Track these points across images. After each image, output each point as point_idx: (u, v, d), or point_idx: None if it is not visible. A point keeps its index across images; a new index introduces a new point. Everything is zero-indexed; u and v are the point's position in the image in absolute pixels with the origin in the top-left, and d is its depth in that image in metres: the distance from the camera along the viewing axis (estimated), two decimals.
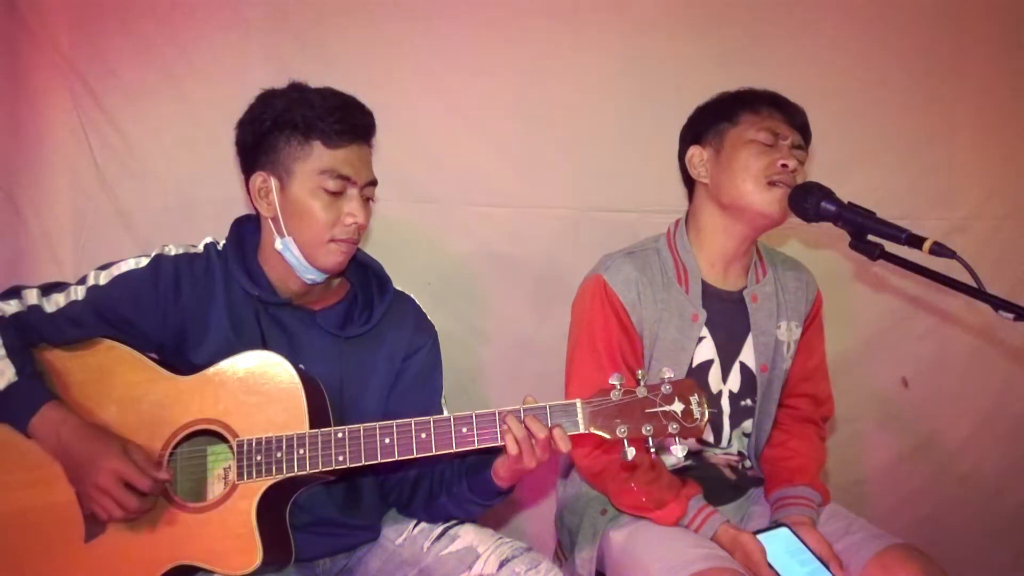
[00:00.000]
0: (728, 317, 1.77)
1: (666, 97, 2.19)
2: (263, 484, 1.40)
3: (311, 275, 1.53)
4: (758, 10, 2.30)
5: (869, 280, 2.46)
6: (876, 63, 2.38)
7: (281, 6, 2.11)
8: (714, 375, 1.77)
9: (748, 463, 1.86)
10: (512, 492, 1.52)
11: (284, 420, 1.42)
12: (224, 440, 1.44)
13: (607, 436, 1.34)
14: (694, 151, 1.77)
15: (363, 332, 1.57)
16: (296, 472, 1.39)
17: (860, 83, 2.37)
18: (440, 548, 1.55)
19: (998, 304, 1.36)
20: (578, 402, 1.36)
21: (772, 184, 1.65)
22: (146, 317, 1.50)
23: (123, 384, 1.47)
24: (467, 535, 1.55)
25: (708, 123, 1.76)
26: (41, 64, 2.03)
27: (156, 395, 1.46)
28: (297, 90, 1.50)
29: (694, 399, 1.35)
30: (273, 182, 1.49)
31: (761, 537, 1.61)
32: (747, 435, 1.84)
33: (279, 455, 1.40)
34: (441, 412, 1.61)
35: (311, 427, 1.41)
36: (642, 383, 1.35)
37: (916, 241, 1.42)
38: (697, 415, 1.34)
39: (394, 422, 1.39)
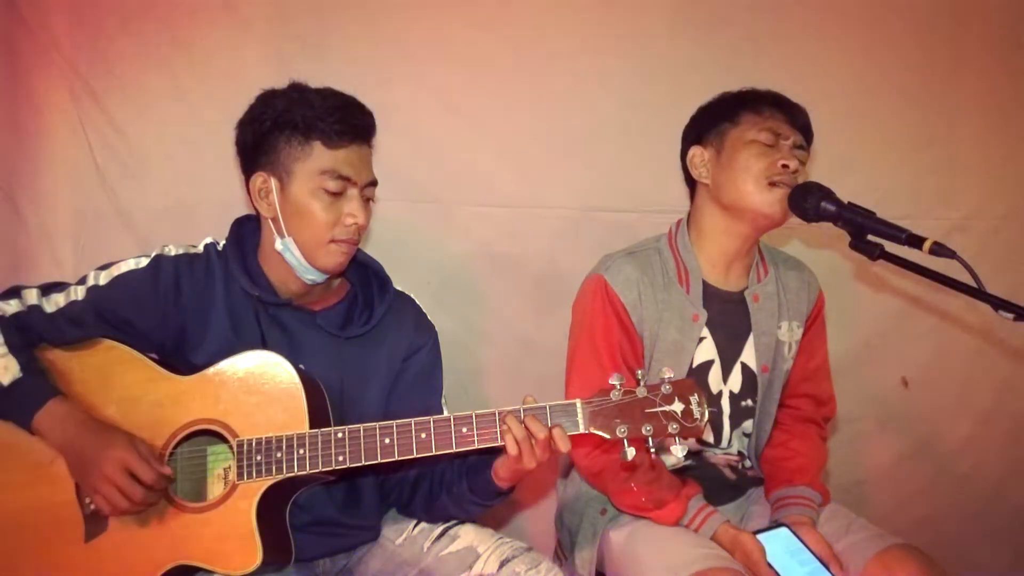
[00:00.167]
0: (729, 317, 1.77)
1: (666, 97, 2.19)
2: (263, 484, 1.40)
3: (311, 275, 1.53)
4: (759, 10, 2.30)
5: (869, 280, 2.46)
6: (876, 63, 2.38)
7: (281, 6, 2.11)
8: (714, 375, 1.77)
9: (748, 463, 1.85)
10: (512, 492, 1.52)
11: (284, 420, 1.42)
12: (224, 440, 1.44)
13: (607, 436, 1.34)
14: (695, 151, 1.77)
15: (363, 332, 1.57)
16: (296, 472, 1.39)
17: (860, 83, 2.37)
18: (440, 548, 1.55)
19: (998, 304, 1.36)
20: (578, 402, 1.36)
21: (773, 185, 1.65)
22: (146, 317, 1.50)
23: (123, 384, 1.47)
24: (467, 535, 1.55)
25: (709, 123, 1.76)
26: (41, 64, 2.03)
27: (156, 395, 1.46)
28: (297, 90, 1.50)
29: (694, 399, 1.35)
30: (273, 182, 1.49)
31: (761, 537, 1.61)
32: (747, 435, 1.84)
33: (279, 455, 1.40)
34: (441, 412, 1.61)
35: (311, 427, 1.41)
36: (642, 383, 1.35)
37: (916, 241, 1.42)
38: (697, 415, 1.34)
39: (394, 422, 1.39)
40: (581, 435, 1.36)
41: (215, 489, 1.48)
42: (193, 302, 1.52)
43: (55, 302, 1.50)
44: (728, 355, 1.77)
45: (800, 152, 1.71)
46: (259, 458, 1.40)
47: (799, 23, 2.33)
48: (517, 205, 2.24)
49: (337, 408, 1.50)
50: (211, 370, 1.46)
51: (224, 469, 1.48)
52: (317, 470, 1.40)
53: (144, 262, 1.52)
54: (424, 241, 2.21)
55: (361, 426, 1.40)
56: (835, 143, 2.20)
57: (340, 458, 1.39)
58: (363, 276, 1.65)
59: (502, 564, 1.47)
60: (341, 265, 1.53)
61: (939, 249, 1.39)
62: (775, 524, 1.68)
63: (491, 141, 2.23)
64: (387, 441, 1.39)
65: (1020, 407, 2.54)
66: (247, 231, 1.59)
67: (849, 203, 1.55)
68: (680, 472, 1.76)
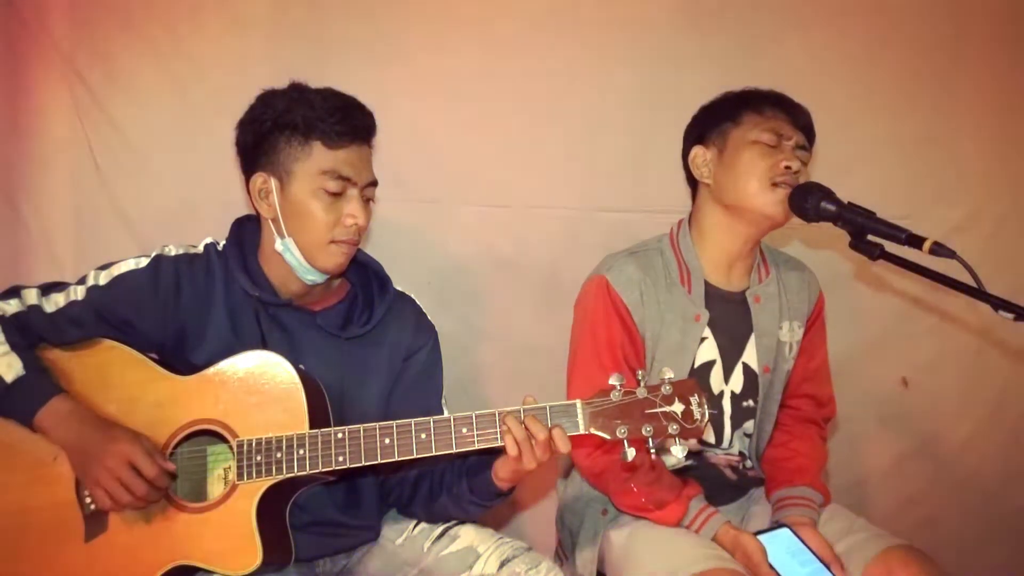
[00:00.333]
0: (731, 318, 1.77)
1: (667, 97, 2.19)
2: (263, 484, 1.40)
3: (311, 276, 1.53)
4: (759, 10, 2.30)
5: (869, 280, 2.45)
6: (876, 63, 2.38)
7: (281, 6, 2.11)
8: (716, 376, 1.77)
9: (749, 463, 1.85)
10: (512, 493, 1.52)
11: (284, 420, 1.42)
12: (224, 440, 1.44)
13: (607, 437, 1.34)
14: (697, 151, 1.77)
15: (363, 332, 1.57)
16: (296, 472, 1.39)
17: (860, 83, 2.37)
18: (440, 548, 1.55)
19: (998, 304, 1.36)
20: (578, 402, 1.36)
21: (775, 186, 1.65)
22: (146, 317, 1.50)
23: (123, 384, 1.47)
24: (467, 535, 1.55)
25: (712, 123, 1.76)
26: (41, 64, 2.03)
27: (156, 395, 1.46)
28: (297, 90, 1.50)
29: (694, 399, 1.34)
30: (273, 183, 1.49)
31: (762, 538, 1.61)
32: (748, 436, 1.84)
33: (279, 455, 1.40)
34: (441, 412, 1.61)
35: (311, 427, 1.41)
36: (642, 383, 1.35)
37: (916, 241, 1.42)
38: (697, 416, 1.34)
39: (394, 422, 1.39)
40: (581, 436, 1.36)
41: (215, 489, 1.48)
42: (193, 302, 1.51)
43: (55, 302, 1.50)
44: (730, 356, 1.77)
45: (802, 153, 1.71)
46: (259, 458, 1.40)
47: (800, 23, 2.32)
48: (517, 205, 2.24)
49: (337, 408, 1.50)
50: (211, 370, 1.46)
51: (224, 469, 1.48)
52: (317, 470, 1.39)
53: (144, 262, 1.52)
54: (424, 241, 2.20)
55: (361, 426, 1.40)
56: (835, 143, 2.20)
57: (340, 458, 1.39)
58: (363, 276, 1.65)
59: (502, 564, 1.47)
60: (341, 266, 1.53)
61: (939, 249, 1.39)
62: (776, 525, 1.68)
63: (491, 141, 2.22)
64: (387, 441, 1.39)
65: (1020, 407, 2.54)
66: (247, 231, 1.59)
67: (849, 203, 1.55)
68: (681, 472, 1.76)
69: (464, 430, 1.37)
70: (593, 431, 1.35)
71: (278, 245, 1.51)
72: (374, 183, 1.53)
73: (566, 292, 1.86)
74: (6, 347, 1.43)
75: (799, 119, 1.73)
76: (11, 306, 1.49)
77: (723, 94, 1.79)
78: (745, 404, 1.80)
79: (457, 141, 2.21)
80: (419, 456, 1.38)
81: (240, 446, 1.41)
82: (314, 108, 1.46)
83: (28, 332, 1.48)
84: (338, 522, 1.58)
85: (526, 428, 1.34)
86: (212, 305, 1.52)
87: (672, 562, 1.55)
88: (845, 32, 2.35)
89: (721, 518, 1.65)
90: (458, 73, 2.19)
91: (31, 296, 1.50)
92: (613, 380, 1.34)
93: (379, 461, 1.39)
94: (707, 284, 1.76)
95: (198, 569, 1.40)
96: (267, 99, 1.51)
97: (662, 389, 1.35)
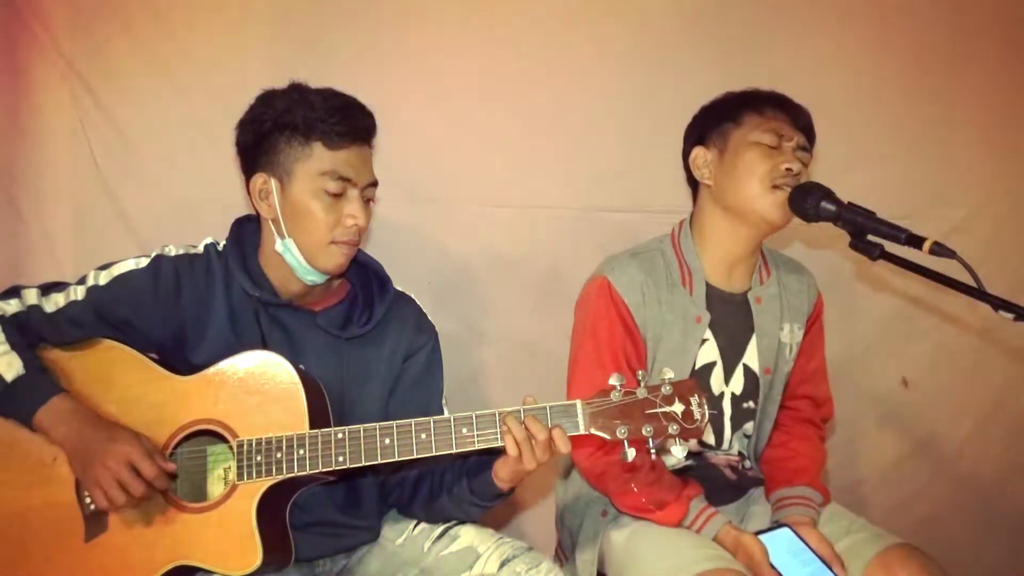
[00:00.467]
0: (732, 319, 1.77)
1: (667, 97, 2.19)
2: (263, 484, 1.40)
3: (312, 276, 1.53)
4: (759, 10, 2.30)
5: (869, 280, 2.45)
6: (876, 63, 2.38)
7: (281, 6, 2.11)
8: (717, 377, 1.77)
9: (748, 463, 1.85)
10: (512, 494, 1.52)
11: (284, 420, 1.42)
12: (224, 440, 1.44)
13: (607, 437, 1.34)
14: (698, 152, 1.76)
15: (363, 332, 1.57)
16: (296, 473, 1.39)
17: (860, 83, 2.37)
18: (441, 548, 1.55)
19: (998, 304, 1.36)
20: (578, 403, 1.36)
21: (776, 188, 1.65)
22: (145, 317, 1.50)
23: (123, 384, 1.47)
24: (467, 535, 1.55)
25: (712, 124, 1.76)
26: (41, 64, 2.03)
27: (156, 395, 1.46)
28: (298, 91, 1.50)
29: (694, 400, 1.34)
30: (273, 183, 1.49)
31: (763, 538, 1.61)
32: (747, 436, 1.84)
33: (279, 455, 1.40)
34: (441, 413, 1.61)
35: (311, 427, 1.41)
36: (643, 384, 1.35)
37: (916, 241, 1.41)
38: (698, 416, 1.34)
39: (394, 423, 1.39)
40: (581, 436, 1.36)
41: (215, 489, 1.48)
42: (193, 302, 1.51)
43: (55, 302, 1.50)
44: (730, 357, 1.77)
45: (803, 154, 1.70)
46: (259, 458, 1.40)
47: (799, 23, 2.33)
48: (518, 205, 2.24)
49: (337, 408, 1.50)
50: (211, 370, 1.46)
51: (224, 469, 1.48)
52: (317, 471, 1.39)
53: (144, 262, 1.52)
54: (424, 241, 2.20)
55: (361, 427, 1.40)
56: (835, 143, 2.20)
57: (340, 459, 1.39)
58: (363, 276, 1.65)
59: (503, 564, 1.47)
60: (341, 266, 1.53)
61: (939, 249, 1.38)
62: (776, 525, 1.68)
63: (491, 141, 2.23)
64: (387, 442, 1.38)
65: (1020, 407, 2.54)
66: (247, 231, 1.59)
67: (849, 203, 1.55)
68: (680, 473, 1.76)
69: (464, 430, 1.37)
70: (593, 431, 1.35)
71: (278, 246, 1.51)
72: (374, 183, 1.53)
73: (566, 292, 1.86)
74: (6, 346, 1.43)
75: (799, 120, 1.73)
76: (11, 306, 1.49)
77: (723, 95, 1.79)
78: (745, 405, 1.80)
79: (457, 141, 2.21)
80: (419, 456, 1.38)
81: (240, 446, 1.41)
82: (314, 109, 1.45)
83: (28, 332, 1.48)
84: (338, 522, 1.57)
85: (526, 428, 1.34)
86: (212, 305, 1.52)
87: (673, 562, 1.55)
88: (845, 33, 2.36)
89: (722, 518, 1.65)
90: (458, 73, 2.19)
91: (31, 296, 1.50)
92: (613, 380, 1.34)
93: (379, 461, 1.39)
94: (708, 285, 1.76)
95: (198, 569, 1.40)
96: (267, 99, 1.51)
97: (662, 389, 1.35)
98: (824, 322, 1.89)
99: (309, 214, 1.47)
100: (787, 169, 1.65)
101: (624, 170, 2.27)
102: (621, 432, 1.33)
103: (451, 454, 1.39)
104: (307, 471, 1.39)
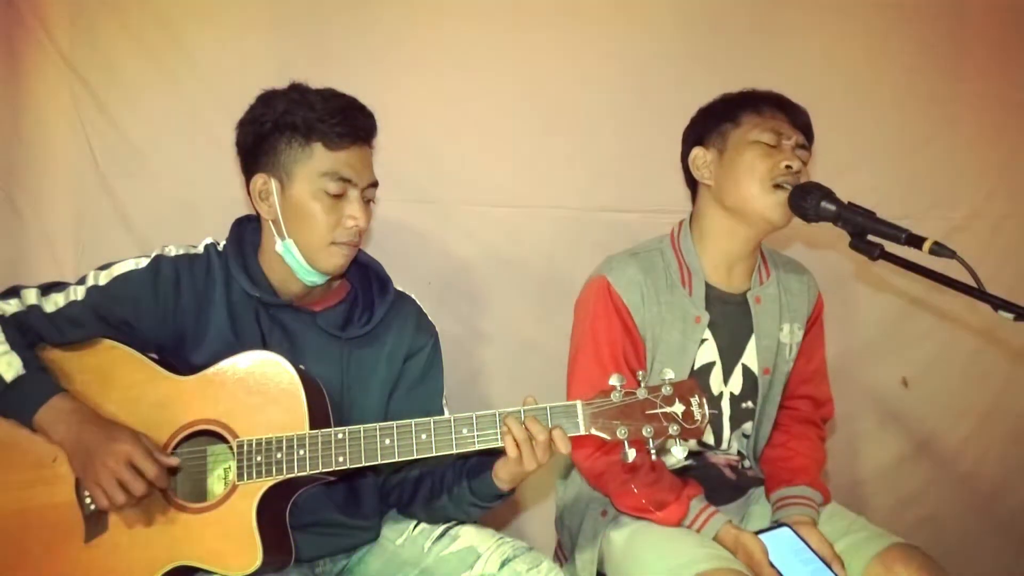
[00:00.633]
0: (731, 319, 1.77)
1: (667, 97, 2.19)
2: (263, 485, 1.40)
3: (312, 277, 1.53)
4: (758, 10, 2.30)
5: (870, 280, 2.46)
6: (876, 63, 2.39)
7: (281, 6, 2.11)
8: (716, 377, 1.77)
9: (748, 463, 1.85)
10: (513, 494, 1.52)
11: (284, 421, 1.42)
12: (224, 441, 1.44)
13: (607, 437, 1.34)
14: (697, 152, 1.76)
15: (364, 333, 1.57)
16: (296, 473, 1.39)
17: (860, 83, 2.37)
18: (441, 548, 1.55)
19: (998, 304, 1.36)
20: (579, 403, 1.36)
21: (777, 187, 1.65)
22: (145, 318, 1.50)
23: (123, 384, 1.47)
24: (468, 535, 1.55)
25: (711, 124, 1.76)
26: (41, 64, 2.03)
27: (156, 395, 1.46)
28: (298, 91, 1.49)
29: (695, 400, 1.34)
30: (274, 184, 1.49)
31: (763, 537, 1.61)
32: (746, 436, 1.84)
33: (279, 456, 1.40)
34: (442, 413, 1.61)
35: (311, 428, 1.41)
36: (643, 384, 1.35)
37: (916, 241, 1.41)
38: (698, 416, 1.34)
39: (394, 423, 1.39)
40: (581, 436, 1.36)
41: (215, 490, 1.48)
42: (193, 303, 1.51)
43: (54, 302, 1.49)
44: (730, 357, 1.77)
45: (802, 152, 1.71)
46: (259, 459, 1.40)
47: (799, 23, 2.33)
48: (517, 205, 2.24)
49: (337, 409, 1.50)
50: (211, 370, 1.46)
51: (224, 469, 1.48)
52: (317, 471, 1.39)
53: (144, 262, 1.52)
54: (424, 241, 2.21)
55: (361, 427, 1.40)
56: (835, 143, 2.20)
57: (340, 459, 1.39)
58: (364, 276, 1.65)
59: (503, 564, 1.47)
60: (342, 267, 1.53)
61: (939, 249, 1.38)
62: (776, 524, 1.68)
63: (491, 141, 2.23)
64: (387, 442, 1.38)
65: (1020, 407, 2.55)
66: (247, 231, 1.59)
67: (849, 203, 1.55)
68: (681, 472, 1.76)
69: (464, 431, 1.37)
70: (594, 432, 1.35)
71: (279, 246, 1.51)
72: (375, 184, 1.53)
73: (566, 292, 1.86)
74: (6, 346, 1.43)
75: (798, 118, 1.73)
76: (11, 306, 1.48)
77: (721, 96, 1.79)
78: (744, 405, 1.80)
79: (457, 141, 2.21)
80: (419, 457, 1.38)
81: (240, 446, 1.41)
82: (315, 109, 1.45)
83: (28, 332, 1.48)
84: (338, 522, 1.57)
85: (526, 429, 1.34)
86: (212, 305, 1.52)
87: (674, 562, 1.55)
88: (845, 32, 2.36)
89: (722, 518, 1.65)
90: (459, 74, 2.19)
91: (31, 296, 1.50)
92: (613, 381, 1.34)
93: (379, 462, 1.39)
94: (708, 285, 1.76)
95: (198, 569, 1.40)
96: (267, 100, 1.50)
97: (662, 390, 1.35)
98: (824, 322, 1.89)
99: (309, 215, 1.47)
100: (787, 167, 1.65)
101: (624, 170, 2.27)
102: (621, 433, 1.33)
103: (451, 454, 1.39)
104: (307, 471, 1.39)
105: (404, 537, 1.61)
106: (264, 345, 1.50)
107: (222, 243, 1.58)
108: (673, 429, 1.33)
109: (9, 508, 1.44)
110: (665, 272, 1.75)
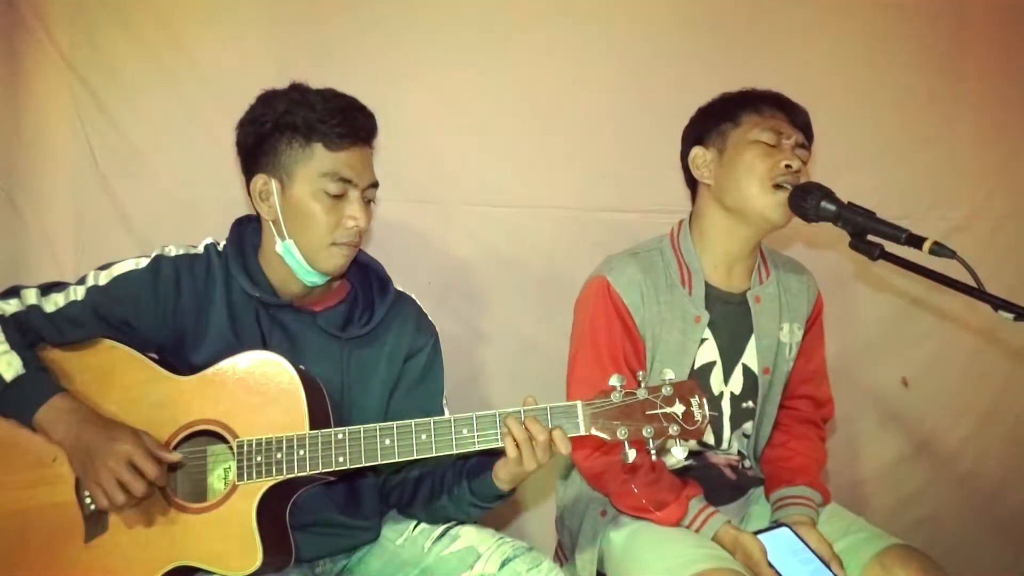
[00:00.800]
0: (731, 319, 1.77)
1: (667, 97, 2.19)
2: (263, 485, 1.40)
3: (312, 277, 1.53)
4: (758, 10, 2.30)
5: (870, 280, 2.46)
6: (876, 63, 2.38)
7: (281, 6, 2.11)
8: (716, 377, 1.77)
9: (748, 463, 1.85)
10: (513, 494, 1.52)
11: (284, 421, 1.42)
12: (224, 441, 1.44)
13: (607, 438, 1.34)
14: (697, 152, 1.76)
15: (364, 333, 1.57)
16: (296, 473, 1.39)
17: (860, 83, 2.37)
18: (441, 548, 1.55)
19: (998, 304, 1.35)
20: (579, 404, 1.36)
21: (777, 187, 1.65)
22: (145, 318, 1.50)
23: (123, 384, 1.47)
24: (468, 535, 1.55)
25: (711, 124, 1.76)
26: (41, 64, 2.03)
27: (156, 395, 1.46)
28: (298, 91, 1.49)
29: (695, 400, 1.34)
30: (274, 184, 1.49)
31: (762, 537, 1.61)
32: (747, 436, 1.84)
33: (279, 456, 1.40)
34: (442, 413, 1.61)
35: (311, 428, 1.41)
36: (643, 385, 1.35)
37: (916, 241, 1.41)
38: (698, 417, 1.34)
39: (394, 423, 1.39)
40: (582, 437, 1.36)
41: (215, 490, 1.48)
42: (193, 303, 1.51)
43: (54, 302, 1.49)
44: (730, 357, 1.77)
45: (802, 151, 1.71)
46: (259, 459, 1.40)
47: (799, 23, 2.33)
48: (517, 205, 2.24)
49: (337, 409, 1.50)
50: (211, 370, 1.46)
51: (224, 470, 1.48)
52: (317, 471, 1.39)
53: (144, 262, 1.52)
54: (424, 241, 2.21)
55: (361, 427, 1.40)
56: (835, 143, 2.20)
57: (340, 459, 1.39)
58: (364, 277, 1.65)
59: (503, 564, 1.47)
60: (342, 268, 1.53)
61: (939, 249, 1.38)
62: (776, 524, 1.68)
63: (491, 141, 2.23)
64: (387, 442, 1.38)
65: (1020, 407, 2.55)
66: (247, 232, 1.59)
67: (849, 203, 1.55)
68: (681, 473, 1.76)
69: (464, 431, 1.37)
70: (594, 432, 1.35)
71: (279, 247, 1.51)
72: (375, 184, 1.53)
73: (566, 292, 1.86)
74: (6, 346, 1.43)
75: (797, 118, 1.73)
76: (11, 306, 1.48)
77: (720, 96, 1.79)
78: (744, 405, 1.80)
79: (457, 141, 2.21)
80: (419, 457, 1.38)
81: (240, 447, 1.41)
82: (315, 110, 1.45)
83: (28, 332, 1.48)
84: (338, 522, 1.57)
85: (526, 429, 1.34)
86: (212, 305, 1.52)
87: (673, 562, 1.55)
88: (845, 32, 2.36)
89: (721, 518, 1.65)
90: (459, 74, 2.19)
91: (31, 296, 1.50)
92: (613, 381, 1.34)
93: (379, 462, 1.39)
94: (707, 285, 1.76)
95: (198, 569, 1.40)
96: (268, 100, 1.50)
97: (663, 390, 1.34)
98: (824, 322, 1.89)
99: (310, 215, 1.47)
100: (787, 166, 1.65)
101: (624, 170, 2.27)
102: (621, 433, 1.33)
103: (451, 455, 1.39)
104: (307, 472, 1.39)
105: (404, 537, 1.61)
106: (264, 345, 1.50)
107: (222, 243, 1.58)
108: (673, 430, 1.33)
109: (9, 508, 1.44)
110: (665, 272, 1.75)
